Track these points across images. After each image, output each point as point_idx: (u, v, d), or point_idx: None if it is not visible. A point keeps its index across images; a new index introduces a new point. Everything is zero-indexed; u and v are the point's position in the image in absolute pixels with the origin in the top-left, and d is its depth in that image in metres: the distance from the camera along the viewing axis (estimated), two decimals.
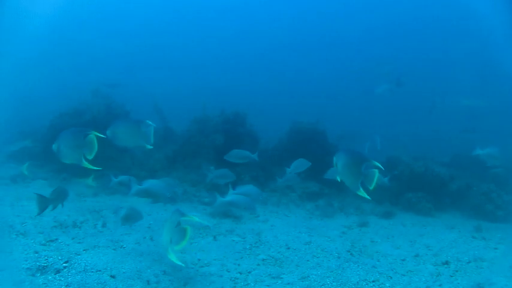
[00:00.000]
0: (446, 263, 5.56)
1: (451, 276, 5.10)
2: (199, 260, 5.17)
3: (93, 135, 4.10)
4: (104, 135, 4.31)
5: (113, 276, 4.36)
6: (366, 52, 31.72)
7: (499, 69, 19.83)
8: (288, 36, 34.57)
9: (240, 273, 4.84)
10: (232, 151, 7.10)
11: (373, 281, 4.77)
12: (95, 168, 4.18)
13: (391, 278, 4.94)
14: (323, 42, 33.68)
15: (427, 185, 9.77)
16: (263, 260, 5.34)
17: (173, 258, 3.88)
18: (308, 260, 5.41)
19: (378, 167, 3.48)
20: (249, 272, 4.89)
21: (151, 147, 4.49)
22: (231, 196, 6.43)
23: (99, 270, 4.46)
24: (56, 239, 5.25)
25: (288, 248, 5.85)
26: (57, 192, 5.36)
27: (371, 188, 3.58)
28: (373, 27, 31.90)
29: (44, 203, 5.16)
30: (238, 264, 5.12)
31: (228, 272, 4.87)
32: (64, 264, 4.47)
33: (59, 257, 4.62)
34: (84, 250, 5.01)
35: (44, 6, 22.57)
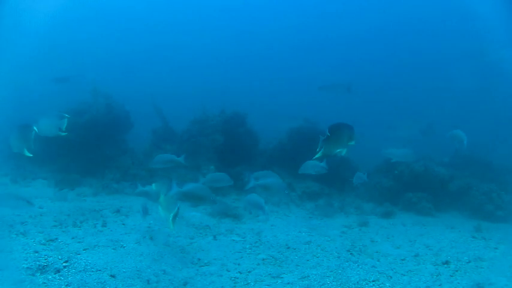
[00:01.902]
0: (446, 262, 5.56)
1: (451, 276, 5.10)
2: (199, 259, 5.18)
3: (34, 131, 5.22)
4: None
5: (112, 276, 4.36)
6: (366, 52, 31.78)
7: (498, 69, 19.82)
8: (288, 36, 34.58)
9: (240, 273, 4.84)
10: (156, 157, 6.77)
11: (373, 281, 4.77)
12: (30, 155, 5.14)
13: (391, 277, 4.94)
14: (323, 42, 33.69)
15: (427, 185, 9.76)
16: (263, 259, 5.34)
17: (171, 224, 4.27)
18: (308, 260, 5.41)
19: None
20: (249, 272, 4.89)
21: (64, 133, 5.52)
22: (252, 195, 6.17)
23: (99, 270, 4.46)
24: (56, 239, 5.25)
25: (288, 248, 5.85)
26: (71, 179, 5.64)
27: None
28: (372, 27, 31.90)
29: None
30: (238, 264, 5.12)
31: (228, 271, 4.88)
32: (64, 264, 4.47)
33: (59, 257, 4.62)
34: (84, 250, 5.01)
35: (43, 5, 22.55)
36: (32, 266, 4.33)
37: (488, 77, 22.11)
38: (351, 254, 5.77)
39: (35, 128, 5.18)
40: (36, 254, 4.64)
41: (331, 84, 9.26)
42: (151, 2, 33.40)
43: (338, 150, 4.33)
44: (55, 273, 4.25)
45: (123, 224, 6.32)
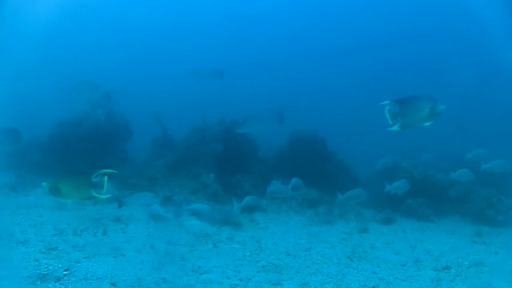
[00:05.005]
0: (447, 268, 5.55)
1: (452, 281, 5.10)
2: (199, 267, 5.17)
3: None
4: None
5: (113, 284, 4.36)
6: (366, 57, 31.93)
7: (499, 70, 19.85)
8: (286, 43, 34.74)
9: (240, 280, 4.84)
10: None
11: (373, 287, 4.77)
12: None
13: (391, 283, 4.93)
14: (322, 49, 33.83)
15: (427, 191, 9.77)
16: (263, 266, 5.33)
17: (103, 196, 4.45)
18: (308, 267, 5.40)
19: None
20: (249, 279, 4.89)
21: None
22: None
23: (100, 278, 4.46)
24: (56, 247, 5.25)
25: (288, 255, 5.85)
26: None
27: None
28: (372, 32, 32.07)
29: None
30: (239, 271, 5.12)
31: (228, 279, 4.87)
32: (64, 272, 4.47)
33: (59, 265, 4.62)
34: (84, 258, 5.01)
35: (43, 8, 22.57)
36: (32, 274, 4.33)
37: (488, 79, 22.15)
38: (351, 260, 5.77)
39: None
40: (37, 262, 4.64)
41: (205, 70, 9.41)
42: (151, 9, 33.63)
43: (419, 123, 4.22)
44: (55, 282, 4.25)
45: (123, 232, 6.33)
